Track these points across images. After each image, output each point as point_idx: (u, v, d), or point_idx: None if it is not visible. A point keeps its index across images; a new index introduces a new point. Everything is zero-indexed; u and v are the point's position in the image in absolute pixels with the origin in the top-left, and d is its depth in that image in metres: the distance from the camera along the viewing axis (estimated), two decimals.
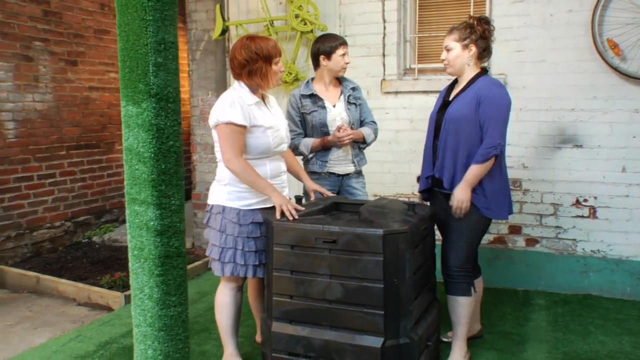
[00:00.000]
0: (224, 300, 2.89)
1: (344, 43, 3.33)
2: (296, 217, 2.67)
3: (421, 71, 4.40)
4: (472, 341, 3.28)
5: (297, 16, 4.39)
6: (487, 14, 4.09)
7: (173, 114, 1.41)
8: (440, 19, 4.38)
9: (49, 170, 5.14)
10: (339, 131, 3.30)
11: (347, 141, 3.34)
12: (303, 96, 3.41)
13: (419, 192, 3.20)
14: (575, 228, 3.99)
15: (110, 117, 5.80)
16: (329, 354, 2.62)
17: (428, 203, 3.20)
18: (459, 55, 2.94)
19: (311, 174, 3.42)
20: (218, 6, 4.64)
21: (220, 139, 2.72)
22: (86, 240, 5.46)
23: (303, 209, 2.76)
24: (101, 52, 5.70)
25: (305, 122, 3.43)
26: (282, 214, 2.68)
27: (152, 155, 1.38)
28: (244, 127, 2.70)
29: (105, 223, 5.72)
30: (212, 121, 2.74)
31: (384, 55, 4.37)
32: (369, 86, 4.43)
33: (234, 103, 2.69)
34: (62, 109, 5.27)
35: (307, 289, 2.64)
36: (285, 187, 2.94)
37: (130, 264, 1.45)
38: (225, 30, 4.67)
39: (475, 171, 2.81)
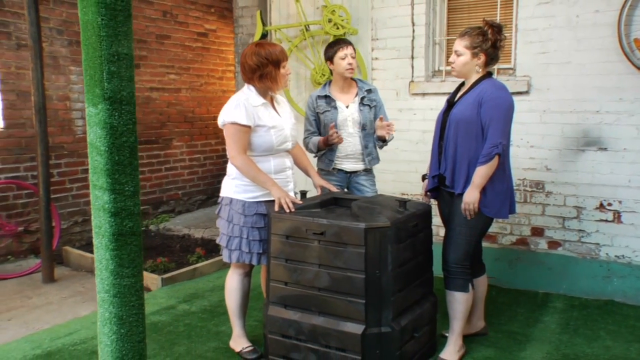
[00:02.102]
0: (232, 284, 3.18)
1: (343, 46, 3.50)
2: (292, 209, 2.89)
3: (449, 73, 4.47)
4: (475, 338, 3.36)
5: (330, 20, 4.60)
6: (513, 17, 4.11)
7: (127, 114, 1.68)
8: (471, 22, 4.43)
9: None
10: (332, 131, 3.45)
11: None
12: (319, 97, 3.63)
13: (427, 191, 3.31)
14: (598, 232, 3.93)
15: (169, 115, 6.27)
16: (317, 337, 2.83)
17: (433, 201, 3.32)
18: (467, 62, 3.03)
19: (320, 170, 3.65)
20: (259, 12, 4.95)
21: (226, 137, 3.00)
22: (144, 228, 5.96)
23: (300, 202, 2.98)
24: (162, 55, 6.19)
25: (320, 122, 3.64)
26: (281, 206, 2.91)
27: (107, 149, 1.66)
28: (248, 126, 2.96)
29: (162, 213, 6.21)
30: (219, 121, 3.02)
31: (412, 57, 4.49)
32: (398, 88, 4.56)
33: (239, 105, 2.96)
34: None
35: (299, 277, 2.87)
36: (289, 182, 3.17)
37: (93, 240, 1.74)
38: (265, 35, 4.97)
39: (480, 172, 2.91)
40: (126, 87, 1.69)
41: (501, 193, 3.01)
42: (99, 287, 1.76)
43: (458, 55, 3.06)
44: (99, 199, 1.70)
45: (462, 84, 3.20)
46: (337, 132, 3.44)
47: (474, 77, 3.07)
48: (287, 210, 2.89)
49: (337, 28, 4.59)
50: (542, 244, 4.12)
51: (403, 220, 2.81)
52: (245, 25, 5.33)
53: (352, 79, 3.67)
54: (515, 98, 3.88)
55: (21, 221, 5.00)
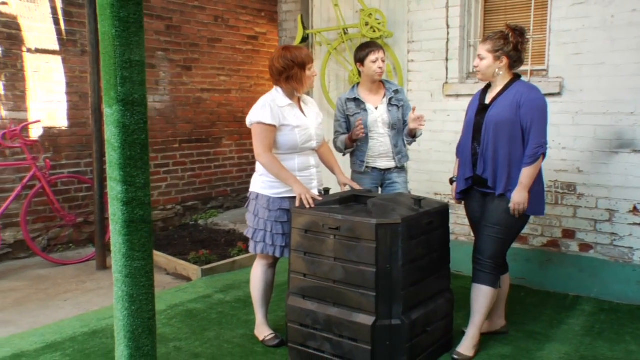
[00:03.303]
0: (256, 274, 3.38)
1: (374, 50, 3.61)
2: (312, 205, 3.06)
3: None
4: (494, 336, 3.41)
5: (366, 24, 4.73)
6: (547, 18, 4.10)
7: (138, 114, 1.89)
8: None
9: (163, 160, 6.04)
10: (357, 127, 3.57)
11: (421, 123, 3.54)
12: (348, 100, 3.77)
13: (457, 192, 3.35)
14: (632, 236, 3.86)
15: (219, 115, 6.58)
16: (331, 327, 2.98)
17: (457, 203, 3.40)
18: (490, 65, 3.11)
19: (354, 173, 3.80)
20: (300, 16, 5.14)
21: (253, 136, 3.20)
22: (193, 222, 6.30)
23: (320, 198, 3.14)
24: (213, 58, 6.50)
25: (350, 124, 3.78)
26: (302, 201, 3.08)
27: (120, 145, 1.88)
28: (273, 126, 3.15)
29: (211, 209, 6.52)
30: (247, 121, 3.23)
31: (447, 59, 4.54)
32: (432, 89, 4.63)
33: (265, 105, 3.16)
34: (177, 108, 6.14)
35: (316, 269, 3.03)
36: (313, 179, 3.33)
37: (110, 226, 1.97)
38: (305, 38, 5.15)
39: (527, 173, 3.00)
40: (138, 91, 1.90)
41: (539, 192, 3.10)
42: (114, 268, 1.99)
43: (481, 59, 3.14)
44: (113, 190, 1.93)
45: (489, 86, 3.26)
46: (361, 127, 3.55)
47: (502, 80, 3.14)
48: (307, 206, 3.05)
49: (374, 31, 4.71)
50: (574, 247, 4.09)
51: (415, 218, 2.92)
52: (289, 28, 5.54)
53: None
54: (547, 99, 3.89)
55: (81, 213, 5.42)
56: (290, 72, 3.18)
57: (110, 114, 1.88)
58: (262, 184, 3.26)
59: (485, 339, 3.34)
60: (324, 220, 2.96)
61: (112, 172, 1.92)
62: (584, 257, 4.04)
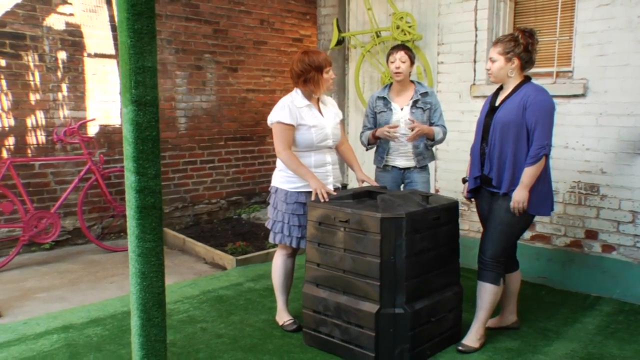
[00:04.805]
0: (276, 263, 3.63)
1: (393, 51, 3.79)
2: (327, 199, 3.27)
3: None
4: (504, 331, 3.51)
5: (397, 27, 4.88)
6: (574, 20, 4.12)
7: (150, 114, 2.17)
8: (537, 25, 4.48)
9: (209, 157, 6.40)
10: (390, 128, 3.75)
11: (416, 135, 3.74)
12: (378, 98, 3.96)
13: (468, 191, 3.48)
14: None
15: (264, 114, 6.86)
16: (340, 314, 3.18)
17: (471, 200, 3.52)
18: (501, 67, 3.22)
19: (377, 169, 3.99)
20: (335, 20, 5.35)
21: (273, 134, 3.44)
22: (236, 216, 6.63)
23: (335, 193, 3.34)
24: (258, 60, 6.80)
25: (377, 120, 3.96)
26: (317, 195, 3.30)
27: (133, 140, 2.16)
28: (291, 125, 3.38)
29: (254, 204, 6.84)
30: (268, 121, 3.47)
31: (474, 61, 4.63)
32: (460, 90, 4.73)
33: (285, 106, 3.40)
34: (222, 108, 6.49)
35: (328, 259, 3.24)
36: (329, 175, 3.54)
37: (126, 211, 2.25)
38: (341, 41, 5.36)
39: (528, 173, 3.10)
40: (150, 93, 2.18)
41: (542, 192, 3.17)
42: (129, 248, 2.28)
43: (493, 62, 3.25)
44: (128, 179, 2.21)
45: (501, 88, 3.36)
46: (393, 131, 3.73)
47: (512, 82, 3.23)
48: (322, 200, 3.26)
49: (404, 34, 4.86)
50: (596, 247, 4.10)
51: (421, 213, 3.07)
52: (327, 32, 5.76)
53: (411, 81, 3.93)
54: (571, 101, 3.97)
55: None
56: (308, 75, 3.40)
57: (126, 113, 2.17)
58: (281, 178, 3.50)
59: (495, 333, 3.44)
60: (335, 213, 3.17)
61: (127, 164, 2.20)
62: (606, 258, 4.05)
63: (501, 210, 3.18)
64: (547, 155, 3.08)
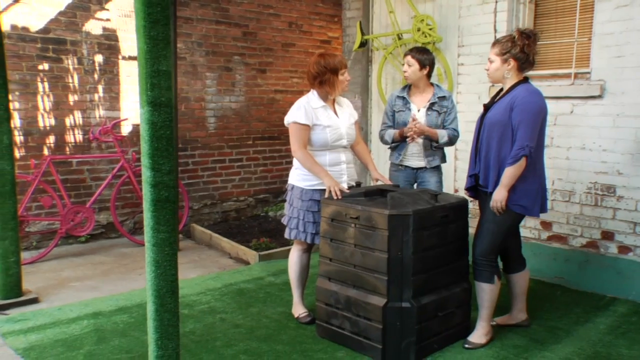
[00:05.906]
0: (292, 258, 3.78)
1: (405, 55, 3.91)
2: (340, 197, 3.40)
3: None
4: (514, 328, 3.57)
5: (418, 29, 4.97)
6: (593, 22, 4.14)
7: (164, 114, 2.34)
8: (557, 26, 4.51)
9: (238, 155, 6.61)
10: (412, 120, 3.85)
11: (413, 132, 3.84)
12: (398, 97, 4.07)
13: (465, 189, 3.55)
14: None
15: None
16: (350, 307, 3.31)
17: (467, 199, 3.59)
18: (498, 68, 3.28)
19: (391, 164, 4.09)
20: (359, 22, 5.47)
21: (289, 134, 3.59)
22: (263, 214, 6.82)
23: (348, 191, 3.47)
24: (287, 61, 6.98)
25: (395, 119, 4.06)
26: (330, 193, 3.43)
27: (149, 138, 2.33)
28: (307, 125, 3.52)
29: (281, 202, 7.00)
30: (285, 121, 3.63)
31: None
32: (479, 92, 4.79)
33: (300, 107, 3.54)
34: (251, 108, 6.69)
35: (339, 254, 3.37)
36: (343, 174, 3.66)
37: (143, 204, 2.44)
38: (364, 43, 5.47)
39: (508, 173, 3.16)
40: (165, 95, 2.36)
41: (531, 192, 3.20)
42: (145, 238, 2.46)
43: (490, 63, 3.31)
44: (144, 174, 2.40)
45: (501, 90, 3.42)
46: (415, 127, 3.83)
47: (509, 83, 3.29)
48: (335, 197, 3.40)
49: (425, 36, 4.94)
50: (612, 248, 4.10)
51: (428, 211, 3.17)
52: (352, 34, 5.88)
53: (431, 84, 4.02)
54: (588, 102, 4.00)
55: None
56: (323, 77, 3.54)
57: (142, 113, 2.36)
58: (297, 176, 3.65)
59: (504, 330, 3.51)
60: (346, 210, 3.30)
61: (144, 160, 2.39)
62: (622, 259, 4.05)
63: (488, 209, 3.24)
64: (527, 157, 3.10)
